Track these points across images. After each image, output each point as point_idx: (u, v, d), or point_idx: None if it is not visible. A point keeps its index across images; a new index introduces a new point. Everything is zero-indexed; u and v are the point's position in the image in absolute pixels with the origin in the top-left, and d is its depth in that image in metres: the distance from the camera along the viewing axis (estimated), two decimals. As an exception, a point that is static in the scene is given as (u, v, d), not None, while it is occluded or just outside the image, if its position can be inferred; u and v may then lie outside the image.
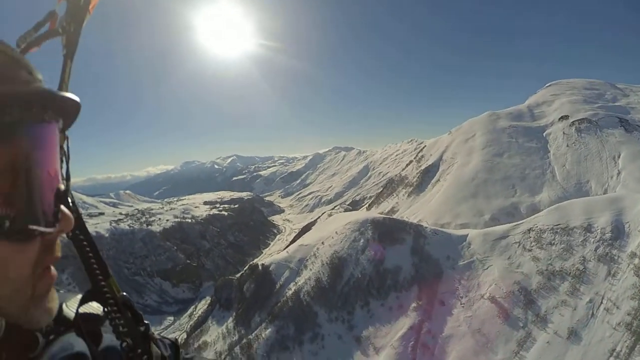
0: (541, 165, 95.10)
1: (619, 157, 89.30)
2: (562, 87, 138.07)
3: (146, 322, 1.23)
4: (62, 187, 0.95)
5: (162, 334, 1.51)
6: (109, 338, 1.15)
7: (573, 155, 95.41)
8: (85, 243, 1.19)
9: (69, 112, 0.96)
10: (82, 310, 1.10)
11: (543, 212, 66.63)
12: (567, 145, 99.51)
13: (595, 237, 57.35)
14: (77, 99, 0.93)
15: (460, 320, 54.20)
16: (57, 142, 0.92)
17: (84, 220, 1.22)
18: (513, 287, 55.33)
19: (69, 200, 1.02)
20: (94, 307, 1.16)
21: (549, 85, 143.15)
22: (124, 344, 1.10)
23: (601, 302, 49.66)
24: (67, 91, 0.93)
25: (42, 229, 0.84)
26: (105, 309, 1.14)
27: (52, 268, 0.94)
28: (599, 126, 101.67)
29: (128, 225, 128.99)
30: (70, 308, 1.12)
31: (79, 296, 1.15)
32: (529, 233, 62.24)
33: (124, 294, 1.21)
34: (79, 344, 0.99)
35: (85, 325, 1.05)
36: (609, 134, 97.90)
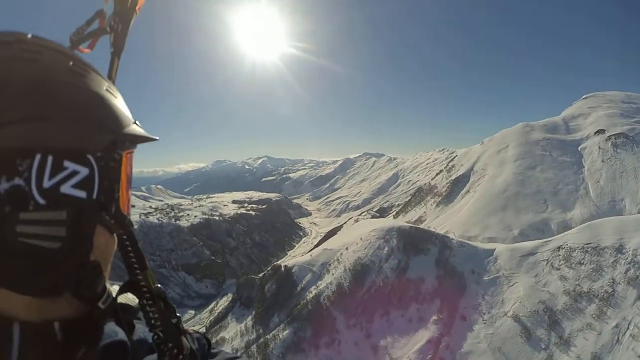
0: (574, 181, 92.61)
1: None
2: (598, 99, 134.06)
3: (178, 315, 1.26)
4: None
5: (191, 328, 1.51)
6: (141, 329, 1.19)
7: (608, 171, 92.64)
8: (125, 237, 1.24)
9: None
10: (119, 300, 1.09)
11: (574, 230, 64.93)
12: (602, 161, 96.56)
13: (627, 258, 55.49)
14: (156, 138, 1.09)
15: (481, 337, 52.97)
16: None
17: None
18: (538, 306, 53.89)
19: None
20: (130, 298, 1.20)
21: (586, 97, 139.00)
22: (155, 337, 1.13)
23: (627, 328, 47.99)
24: (114, 85, 1.08)
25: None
26: (141, 301, 1.18)
27: None
28: (635, 142, 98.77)
29: (157, 219, 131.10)
30: None
31: (116, 287, 1.15)
32: (558, 251, 60.63)
33: (159, 286, 1.26)
34: (121, 333, 1.03)
35: (123, 315, 1.06)
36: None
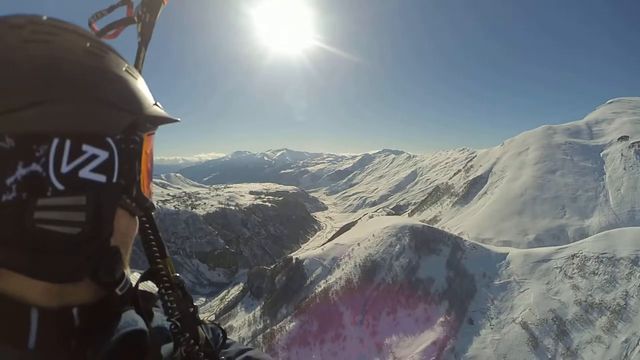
0: (595, 188, 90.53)
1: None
2: (624, 105, 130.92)
3: (195, 304, 1.25)
4: None
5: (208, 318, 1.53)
6: (159, 317, 1.17)
7: (630, 179, 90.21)
8: (147, 225, 1.26)
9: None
10: (139, 288, 1.12)
11: (590, 238, 63.74)
12: (624, 169, 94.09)
13: (642, 271, 54.23)
14: (177, 119, 1.08)
15: (487, 342, 52.21)
16: None
17: None
18: (547, 314, 52.99)
19: None
20: (149, 286, 1.20)
21: (610, 102, 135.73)
22: (173, 326, 1.12)
23: (637, 344, 46.88)
24: (141, 74, 1.03)
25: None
26: (160, 289, 1.18)
27: None
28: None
29: (174, 206, 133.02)
30: None
31: (136, 274, 1.18)
32: (573, 259, 59.52)
33: (177, 274, 1.25)
34: (140, 321, 1.02)
35: (143, 303, 1.09)
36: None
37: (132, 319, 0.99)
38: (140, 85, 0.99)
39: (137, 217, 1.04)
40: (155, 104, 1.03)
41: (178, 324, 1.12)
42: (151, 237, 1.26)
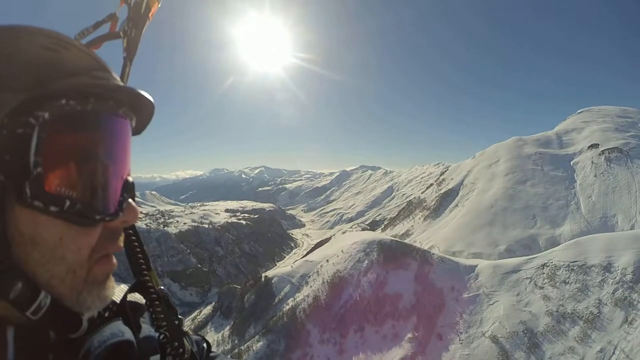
0: (565, 196, 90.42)
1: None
2: (593, 114, 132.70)
3: (180, 317, 1.26)
4: (131, 179, 0.98)
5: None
6: (147, 328, 1.14)
7: (601, 186, 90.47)
8: (133, 237, 1.24)
9: (143, 112, 0.99)
10: (127, 299, 1.12)
11: (560, 247, 62.89)
12: (595, 176, 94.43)
13: (615, 278, 53.32)
14: (151, 99, 0.95)
15: (456, 358, 50.60)
16: (129, 138, 0.96)
17: None
18: (518, 327, 51.50)
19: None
20: (137, 298, 1.18)
21: (580, 112, 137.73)
22: (162, 336, 1.13)
23: (613, 353, 45.64)
24: None
25: (99, 216, 0.84)
26: (148, 301, 1.18)
27: (113, 257, 0.95)
28: (630, 156, 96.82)
29: (145, 224, 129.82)
30: (116, 297, 1.10)
31: (123, 286, 1.15)
32: (543, 269, 58.51)
33: (162, 287, 1.25)
34: (128, 332, 1.00)
35: (132, 314, 1.08)
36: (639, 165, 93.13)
37: (119, 330, 0.98)
38: (63, 57, 0.82)
39: (90, 227, 0.84)
40: (105, 75, 0.88)
41: (167, 334, 1.13)
42: (137, 249, 1.23)
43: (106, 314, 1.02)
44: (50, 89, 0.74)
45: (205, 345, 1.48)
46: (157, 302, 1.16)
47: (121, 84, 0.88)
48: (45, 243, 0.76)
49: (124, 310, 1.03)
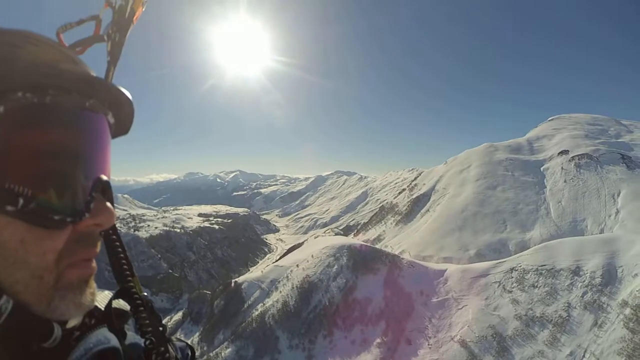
0: (535, 201, 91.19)
1: (618, 195, 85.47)
2: (564, 121, 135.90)
3: (164, 324, 1.21)
4: (105, 178, 0.90)
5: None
6: (132, 335, 1.14)
7: (570, 191, 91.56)
8: (117, 243, 1.20)
9: (120, 108, 0.94)
10: (112, 306, 1.10)
11: (529, 251, 62.98)
12: (565, 181, 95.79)
13: (584, 281, 53.41)
14: (125, 91, 0.91)
15: (425, 363, 50.18)
16: (102, 134, 0.89)
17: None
18: (486, 331, 51.04)
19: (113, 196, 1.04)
20: (122, 304, 1.16)
21: (551, 119, 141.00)
22: (148, 342, 1.10)
23: (583, 356, 45.24)
24: None
25: (58, 217, 0.78)
26: (133, 308, 1.15)
27: (93, 262, 0.90)
28: (599, 162, 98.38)
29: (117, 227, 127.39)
30: (100, 304, 1.11)
31: (107, 292, 1.16)
32: (511, 273, 58.34)
33: (145, 294, 1.22)
34: (113, 339, 1.00)
35: (117, 321, 1.06)
36: (609, 170, 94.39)
37: (104, 337, 0.97)
38: (27, 51, 0.79)
39: (53, 229, 0.79)
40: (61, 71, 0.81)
41: (153, 339, 1.10)
42: (121, 255, 1.20)
43: (92, 321, 1.01)
44: (6, 83, 0.72)
45: (189, 351, 1.42)
46: (142, 309, 1.12)
47: (89, 75, 0.85)
48: (4, 246, 0.73)
49: (109, 317, 1.01)
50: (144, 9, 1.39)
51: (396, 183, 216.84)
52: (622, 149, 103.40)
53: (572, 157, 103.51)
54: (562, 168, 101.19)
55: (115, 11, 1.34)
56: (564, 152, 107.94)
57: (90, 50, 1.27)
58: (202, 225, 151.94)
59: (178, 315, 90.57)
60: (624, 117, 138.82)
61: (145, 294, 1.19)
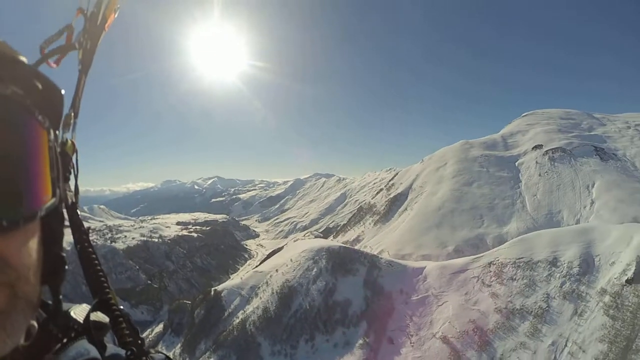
0: (511, 195, 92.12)
1: (593, 186, 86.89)
2: (537, 117, 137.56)
3: (142, 336, 1.21)
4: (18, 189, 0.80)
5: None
6: (112, 347, 1.15)
7: (545, 184, 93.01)
8: (93, 256, 1.20)
9: (29, 90, 0.84)
10: (91, 319, 1.11)
11: (506, 245, 63.44)
12: (540, 175, 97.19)
13: (562, 271, 54.01)
14: (22, 57, 0.84)
15: (408, 361, 50.04)
16: (15, 124, 0.79)
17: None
18: (468, 326, 51.32)
19: (69, 213, 1.09)
20: (100, 317, 1.15)
21: (525, 115, 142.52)
22: (129, 352, 1.09)
23: (565, 345, 45.85)
24: (79, 106, 0.99)
25: None
26: (111, 319, 1.14)
27: (1, 293, 0.78)
28: (573, 155, 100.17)
29: (91, 240, 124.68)
30: (79, 316, 1.12)
31: (85, 305, 1.16)
32: (490, 267, 58.71)
33: (122, 307, 1.21)
34: (93, 350, 1.01)
35: (96, 333, 1.07)
36: (583, 162, 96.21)
37: (84, 348, 0.97)
38: None
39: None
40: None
41: (134, 349, 1.08)
42: (98, 267, 1.20)
43: (72, 334, 1.01)
44: None
45: None
46: (120, 319, 1.10)
47: None
48: None
49: (88, 330, 1.00)
50: (116, 16, 1.38)
51: (374, 183, 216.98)
52: (595, 142, 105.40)
53: (546, 151, 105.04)
54: (536, 162, 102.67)
55: (87, 19, 1.34)
56: (537, 147, 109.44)
57: (68, 59, 1.25)
58: (180, 234, 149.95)
59: (159, 327, 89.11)
60: (596, 111, 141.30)
61: (122, 307, 1.16)
